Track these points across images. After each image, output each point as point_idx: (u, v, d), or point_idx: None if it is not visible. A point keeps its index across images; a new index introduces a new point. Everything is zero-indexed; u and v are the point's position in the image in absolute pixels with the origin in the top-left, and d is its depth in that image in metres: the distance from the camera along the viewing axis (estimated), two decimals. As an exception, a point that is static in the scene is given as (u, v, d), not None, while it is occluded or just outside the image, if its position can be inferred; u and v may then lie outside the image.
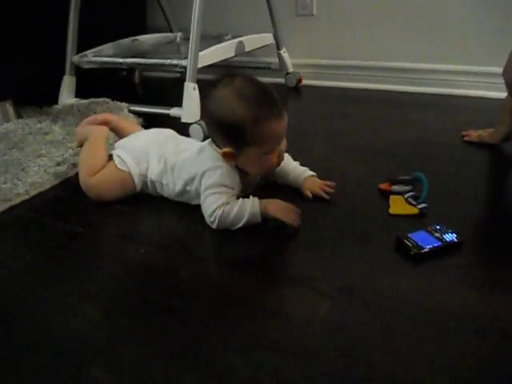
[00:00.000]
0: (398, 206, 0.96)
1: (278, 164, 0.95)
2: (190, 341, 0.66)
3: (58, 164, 1.29)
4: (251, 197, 0.92)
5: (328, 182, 1.04)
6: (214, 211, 0.90)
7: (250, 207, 0.89)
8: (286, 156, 1.03)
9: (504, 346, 0.63)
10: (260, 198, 0.92)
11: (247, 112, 0.86)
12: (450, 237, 0.83)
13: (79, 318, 0.72)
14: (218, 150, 0.93)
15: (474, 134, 1.29)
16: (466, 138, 1.30)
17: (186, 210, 0.98)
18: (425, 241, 0.82)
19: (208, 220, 0.91)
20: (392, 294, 0.73)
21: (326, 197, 1.01)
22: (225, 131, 0.90)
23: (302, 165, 1.08)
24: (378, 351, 0.62)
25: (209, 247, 0.89)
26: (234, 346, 0.65)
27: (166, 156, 1.01)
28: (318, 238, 0.89)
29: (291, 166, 1.06)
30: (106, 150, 1.11)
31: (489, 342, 0.63)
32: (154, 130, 1.16)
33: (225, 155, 0.91)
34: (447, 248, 0.82)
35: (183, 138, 1.14)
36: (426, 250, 0.80)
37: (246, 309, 0.72)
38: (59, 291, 0.79)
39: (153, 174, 1.02)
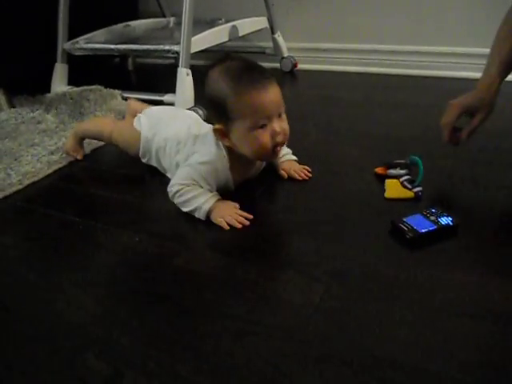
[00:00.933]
0: (394, 189, 0.96)
1: (274, 148, 0.89)
2: (183, 328, 0.66)
3: (52, 153, 1.28)
4: (214, 193, 0.92)
5: (305, 167, 1.06)
6: (174, 184, 0.93)
7: (202, 202, 0.90)
8: None
9: (501, 330, 0.63)
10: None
11: (228, 85, 0.86)
12: (445, 220, 0.83)
13: (74, 307, 0.72)
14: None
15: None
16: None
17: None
18: (420, 224, 0.82)
19: (167, 189, 0.94)
20: (387, 278, 0.73)
21: (299, 178, 1.03)
22: (213, 108, 0.92)
23: (297, 149, 1.08)
24: (374, 336, 0.63)
25: (203, 234, 0.89)
26: (228, 333, 0.65)
27: (176, 128, 1.03)
28: (313, 222, 0.89)
29: None
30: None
31: (486, 326, 0.63)
32: (175, 111, 1.20)
33: (216, 132, 0.91)
34: (443, 231, 0.81)
35: (196, 117, 1.16)
36: (421, 233, 0.80)
37: (241, 295, 0.72)
38: (54, 280, 0.79)
39: (160, 140, 1.05)
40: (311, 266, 0.77)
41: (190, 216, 0.92)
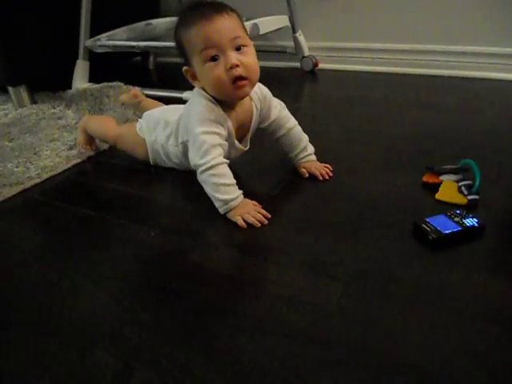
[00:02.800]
0: (448, 192, 0.90)
1: (235, 83, 0.84)
2: (197, 325, 0.65)
3: (71, 148, 1.28)
4: (241, 191, 0.89)
5: (327, 165, 1.03)
6: (207, 154, 0.87)
7: (232, 198, 0.87)
8: (299, 130, 1.02)
9: (527, 336, 0.59)
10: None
11: (179, 26, 0.88)
12: (470, 221, 0.79)
13: (87, 301, 0.71)
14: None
15: None
16: None
17: (198, 193, 0.96)
18: (444, 225, 0.78)
19: (197, 161, 0.88)
20: (408, 280, 0.70)
21: (320, 177, 1.00)
22: (178, 50, 0.92)
23: (318, 148, 1.05)
24: (393, 339, 0.60)
25: (220, 231, 0.87)
26: (242, 332, 0.63)
27: (173, 122, 1.02)
28: (332, 221, 0.86)
29: (302, 144, 1.03)
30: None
31: (510, 331, 0.60)
32: (172, 106, 1.17)
33: (187, 73, 0.92)
34: (467, 233, 0.78)
35: None
36: (445, 234, 0.77)
37: (256, 294, 0.70)
38: (68, 274, 0.79)
39: (161, 139, 1.04)
40: (329, 265, 0.74)
41: (205, 211, 0.90)
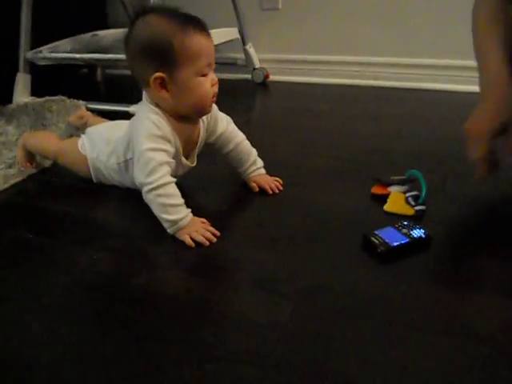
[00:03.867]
0: (396, 204, 0.91)
1: (213, 99, 0.88)
2: (141, 354, 0.61)
3: (10, 166, 1.21)
4: (189, 209, 0.86)
5: (277, 179, 1.03)
6: (154, 172, 0.83)
7: (181, 218, 0.84)
8: (247, 145, 1.01)
9: (476, 347, 0.60)
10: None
11: (174, 27, 0.82)
12: (417, 233, 0.80)
13: (22, 334, 0.66)
14: (146, 81, 0.85)
15: None
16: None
17: (144, 211, 0.92)
18: (392, 237, 0.79)
19: (143, 179, 0.84)
20: (359, 294, 0.69)
21: (270, 191, 1.00)
22: (153, 54, 0.83)
23: (267, 161, 1.04)
24: (347, 359, 0.59)
25: (167, 251, 0.84)
26: (189, 360, 0.59)
27: (115, 139, 0.99)
28: (282, 237, 0.85)
29: (251, 158, 1.01)
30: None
31: (459, 343, 0.60)
32: (117, 122, 1.12)
33: (155, 83, 0.84)
34: (415, 244, 0.79)
35: None
36: (393, 247, 0.77)
37: (204, 317, 0.67)
38: (2, 304, 0.73)
39: (103, 157, 1.00)
40: (280, 283, 0.73)
41: (152, 231, 0.87)
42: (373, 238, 0.79)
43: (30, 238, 0.90)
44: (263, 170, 1.03)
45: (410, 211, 0.89)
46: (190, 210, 0.86)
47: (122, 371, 0.59)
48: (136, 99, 1.40)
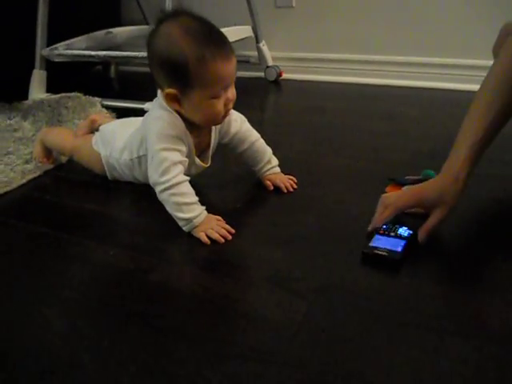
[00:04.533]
0: None
1: (225, 114, 0.87)
2: (158, 350, 0.62)
3: (27, 162, 1.22)
4: (203, 207, 0.86)
5: (291, 177, 1.02)
6: (168, 171, 0.83)
7: (196, 215, 0.84)
8: (262, 143, 1.01)
9: (491, 347, 0.60)
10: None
11: (192, 49, 0.79)
12: (404, 231, 0.80)
13: (41, 328, 0.67)
14: (161, 92, 0.87)
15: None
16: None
17: (159, 208, 0.93)
18: (390, 244, 0.77)
19: (157, 179, 0.84)
20: (373, 294, 0.70)
21: (284, 190, 1.00)
22: (168, 70, 0.83)
23: (281, 159, 1.04)
24: (360, 357, 0.59)
25: (182, 248, 0.85)
26: (205, 356, 0.60)
27: (127, 136, 1.00)
28: (297, 235, 0.85)
29: (266, 157, 1.01)
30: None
31: (474, 343, 0.60)
32: (129, 119, 1.13)
33: (168, 97, 0.84)
34: (411, 242, 0.78)
35: None
36: (401, 252, 0.75)
37: (220, 313, 0.68)
38: (20, 298, 0.74)
39: (116, 153, 1.01)
40: (294, 281, 0.73)
41: (167, 227, 0.88)
42: (376, 251, 0.76)
43: (47, 233, 0.91)
44: (278, 169, 1.03)
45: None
46: (204, 207, 0.87)
47: (140, 366, 0.59)
48: (149, 96, 1.41)
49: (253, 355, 0.60)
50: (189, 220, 0.85)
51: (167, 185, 0.84)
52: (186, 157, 0.89)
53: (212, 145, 0.97)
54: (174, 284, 0.75)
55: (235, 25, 1.77)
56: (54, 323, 0.68)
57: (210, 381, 0.57)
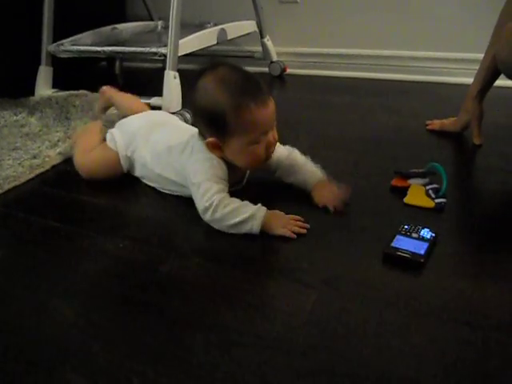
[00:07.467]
0: (416, 196, 0.91)
1: (267, 157, 0.89)
2: (169, 339, 0.63)
3: (34, 157, 1.23)
4: (259, 204, 0.85)
5: (341, 192, 0.91)
6: (212, 196, 0.84)
7: (254, 211, 0.83)
8: (294, 151, 0.99)
9: (497, 337, 0.60)
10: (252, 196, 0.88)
11: (228, 100, 0.82)
12: (426, 233, 0.79)
13: (53, 318, 0.69)
14: (203, 140, 0.88)
15: (436, 123, 1.28)
16: (429, 127, 1.29)
17: (169, 202, 0.95)
18: (413, 246, 0.76)
19: (203, 206, 0.84)
20: (380, 285, 0.70)
21: (332, 210, 0.90)
22: (207, 121, 0.87)
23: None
24: (367, 346, 0.60)
25: (191, 240, 0.86)
26: (215, 343, 0.61)
27: (154, 141, 1.00)
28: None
29: (299, 163, 0.98)
30: (99, 135, 1.15)
31: (481, 334, 0.61)
32: (151, 113, 1.16)
33: (209, 145, 0.87)
34: (433, 244, 0.78)
35: (177, 124, 1.12)
36: (423, 254, 0.74)
37: (229, 304, 0.69)
38: (32, 289, 0.75)
39: (139, 157, 1.02)
40: (303, 272, 0.74)
41: (176, 220, 0.89)
42: (399, 253, 0.75)
43: (58, 227, 0.92)
44: (319, 174, 0.96)
45: (429, 204, 0.89)
46: (259, 204, 0.86)
47: (151, 355, 0.61)
48: (153, 92, 1.43)
49: (261, 343, 0.61)
50: (251, 216, 0.83)
51: (213, 207, 0.83)
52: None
53: (245, 178, 0.99)
54: (184, 275, 0.76)
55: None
56: (66, 313, 0.69)
57: (220, 367, 0.58)
